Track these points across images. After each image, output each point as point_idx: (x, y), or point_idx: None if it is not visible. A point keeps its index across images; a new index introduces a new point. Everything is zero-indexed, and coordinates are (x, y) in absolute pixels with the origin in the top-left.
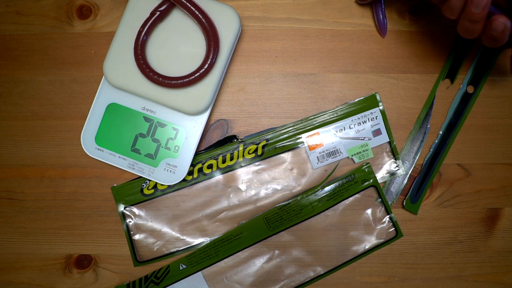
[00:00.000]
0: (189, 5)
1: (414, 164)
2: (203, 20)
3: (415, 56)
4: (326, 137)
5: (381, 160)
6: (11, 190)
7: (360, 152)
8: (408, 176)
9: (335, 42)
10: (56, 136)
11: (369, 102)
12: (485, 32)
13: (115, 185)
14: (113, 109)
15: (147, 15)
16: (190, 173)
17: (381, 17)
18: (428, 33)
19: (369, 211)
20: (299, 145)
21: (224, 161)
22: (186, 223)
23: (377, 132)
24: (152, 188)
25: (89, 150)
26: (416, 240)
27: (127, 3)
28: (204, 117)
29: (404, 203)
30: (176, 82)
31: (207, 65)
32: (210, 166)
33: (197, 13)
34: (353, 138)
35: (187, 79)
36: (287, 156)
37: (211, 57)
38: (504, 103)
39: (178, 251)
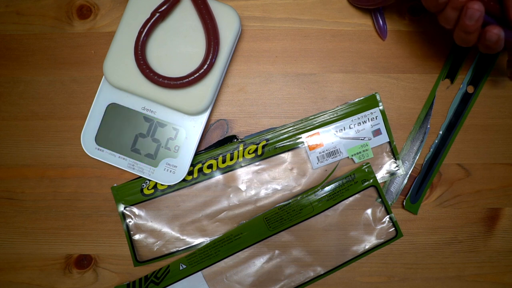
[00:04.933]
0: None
1: (414, 164)
2: (206, 17)
3: (415, 56)
4: (326, 137)
5: (381, 160)
6: (11, 190)
7: (360, 152)
8: (408, 176)
9: (335, 42)
10: (56, 136)
11: (369, 102)
12: (480, 41)
13: (115, 185)
14: (113, 109)
15: (147, 15)
16: (190, 173)
17: (381, 22)
18: (428, 33)
19: (369, 211)
20: (299, 145)
21: (224, 161)
22: (186, 223)
23: (377, 132)
24: (152, 188)
25: (89, 150)
26: (416, 240)
27: (127, 3)
28: (204, 117)
29: (404, 203)
30: (176, 82)
31: (207, 65)
32: (210, 166)
33: (203, 9)
34: (353, 138)
35: (187, 79)
36: (287, 156)
37: (211, 57)
38: (504, 103)
39: (178, 251)
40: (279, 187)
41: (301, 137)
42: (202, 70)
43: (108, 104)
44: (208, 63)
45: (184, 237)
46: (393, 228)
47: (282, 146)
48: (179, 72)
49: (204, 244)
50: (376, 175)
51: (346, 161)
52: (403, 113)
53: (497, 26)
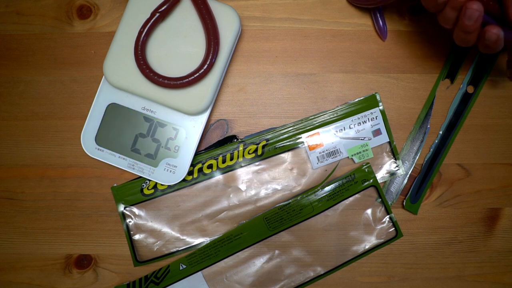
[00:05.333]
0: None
1: (414, 164)
2: (206, 17)
3: (415, 56)
4: (326, 137)
5: (381, 160)
6: (11, 190)
7: (360, 152)
8: (408, 176)
9: (335, 42)
10: (56, 136)
11: (369, 102)
12: (479, 41)
13: (115, 185)
14: (113, 109)
15: (148, 15)
16: (190, 173)
17: (381, 23)
18: (428, 33)
19: (369, 211)
20: (299, 145)
21: (224, 161)
22: (186, 223)
23: (377, 132)
24: (152, 188)
25: (89, 150)
26: (416, 240)
27: (127, 3)
28: (204, 117)
29: (404, 203)
30: (176, 82)
31: (206, 65)
32: (210, 166)
33: (203, 9)
34: (353, 138)
35: (187, 79)
36: (287, 156)
37: (211, 57)
38: (504, 103)
39: (178, 251)
40: (279, 187)
41: (301, 137)
42: (202, 70)
43: (108, 104)
44: (208, 63)
45: (184, 237)
46: (393, 228)
47: (282, 146)
48: (179, 72)
49: (204, 244)
50: (376, 175)
51: (346, 161)
52: (403, 113)
53: (496, 26)
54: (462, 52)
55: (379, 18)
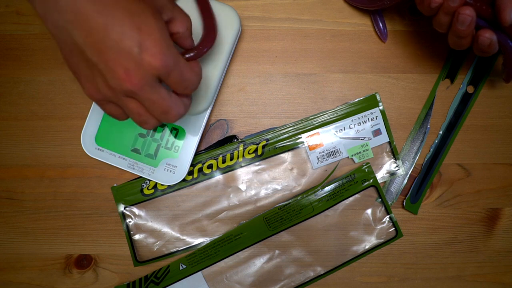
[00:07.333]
0: None
1: (414, 164)
2: (204, 8)
3: (415, 56)
4: (326, 137)
5: (381, 160)
6: (11, 190)
7: (360, 152)
8: (408, 176)
9: (335, 42)
10: (56, 136)
11: (369, 102)
12: (473, 45)
13: (115, 185)
14: None
15: None
16: (190, 173)
17: (381, 26)
18: (428, 33)
19: (369, 211)
20: (299, 145)
21: (224, 161)
22: (186, 223)
23: (377, 132)
24: (152, 188)
25: (89, 150)
26: (416, 240)
27: None
28: (204, 117)
29: (404, 203)
30: None
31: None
32: (210, 166)
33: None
34: (353, 138)
35: None
36: (287, 156)
37: (204, 42)
38: (504, 103)
39: (178, 251)
40: (279, 187)
41: (301, 137)
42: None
43: None
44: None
45: (184, 237)
46: (393, 228)
47: (282, 146)
48: None
49: (204, 244)
50: (376, 175)
51: (346, 161)
52: (403, 113)
53: (489, 30)
54: (462, 52)
55: (379, 21)
